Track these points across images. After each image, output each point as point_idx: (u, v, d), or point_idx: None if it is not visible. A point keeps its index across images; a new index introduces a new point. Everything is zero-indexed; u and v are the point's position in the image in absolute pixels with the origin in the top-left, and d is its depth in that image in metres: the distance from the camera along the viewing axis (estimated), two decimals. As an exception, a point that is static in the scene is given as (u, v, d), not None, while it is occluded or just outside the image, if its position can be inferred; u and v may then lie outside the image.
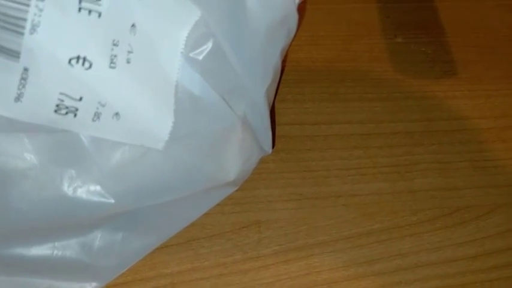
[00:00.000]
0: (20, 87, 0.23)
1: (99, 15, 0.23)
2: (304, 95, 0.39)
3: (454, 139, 0.38)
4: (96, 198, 0.26)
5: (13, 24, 0.22)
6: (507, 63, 0.42)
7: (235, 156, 0.29)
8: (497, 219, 0.35)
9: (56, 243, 0.28)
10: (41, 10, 0.22)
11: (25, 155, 0.25)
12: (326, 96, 0.39)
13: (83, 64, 0.23)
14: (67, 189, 0.25)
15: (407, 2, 0.45)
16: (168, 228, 0.31)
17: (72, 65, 0.23)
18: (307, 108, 0.39)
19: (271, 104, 0.32)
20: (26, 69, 0.23)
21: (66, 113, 0.24)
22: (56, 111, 0.24)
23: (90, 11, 0.23)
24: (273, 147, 0.32)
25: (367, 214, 0.34)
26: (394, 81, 0.40)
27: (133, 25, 0.24)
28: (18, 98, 0.23)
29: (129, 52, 0.24)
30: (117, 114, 0.25)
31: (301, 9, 0.28)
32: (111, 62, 0.23)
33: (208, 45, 0.25)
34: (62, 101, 0.24)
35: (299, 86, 0.39)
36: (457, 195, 0.36)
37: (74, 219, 0.27)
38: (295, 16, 0.28)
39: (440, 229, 0.34)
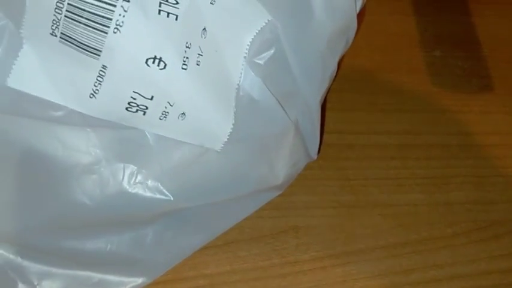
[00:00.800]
0: (96, 83, 0.24)
1: (176, 18, 0.24)
2: (343, 103, 0.40)
3: (490, 154, 0.38)
4: (155, 195, 0.27)
5: (98, 23, 0.23)
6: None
7: (285, 161, 0.29)
8: (531, 235, 0.35)
9: (111, 238, 0.28)
10: (125, 11, 0.23)
11: (91, 150, 0.26)
12: (364, 106, 0.40)
13: (158, 64, 0.24)
14: (128, 184, 0.26)
15: (445, 16, 0.45)
16: (215, 228, 0.31)
17: (148, 65, 0.24)
18: (345, 117, 0.39)
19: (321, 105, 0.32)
20: (104, 67, 0.24)
21: (137, 110, 0.25)
22: (127, 108, 0.25)
23: (168, 14, 0.24)
24: (318, 153, 0.33)
25: (403, 225, 0.35)
26: (431, 94, 0.41)
27: (204, 28, 0.25)
28: (93, 94, 0.24)
29: (199, 55, 0.25)
30: (183, 114, 0.25)
31: (360, 18, 0.29)
32: (183, 64, 0.24)
33: (271, 51, 0.26)
34: (135, 99, 0.24)
35: (338, 94, 0.40)
36: (492, 209, 0.36)
37: (132, 215, 0.27)
38: (355, 25, 0.29)
39: (475, 242, 0.35)
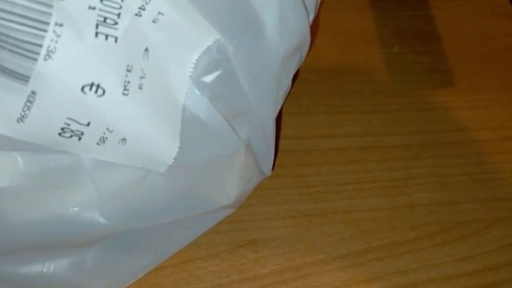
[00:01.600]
0: (25, 109, 0.22)
1: (116, 40, 0.22)
2: (301, 107, 0.39)
3: (453, 152, 0.38)
4: (91, 220, 0.25)
5: (26, 50, 0.21)
6: (505, 72, 0.42)
7: (236, 180, 0.28)
8: (496, 234, 0.34)
9: (47, 262, 0.27)
10: (58, 36, 0.21)
11: (15, 175, 0.24)
12: (323, 109, 0.39)
13: (96, 91, 0.22)
14: (60, 210, 0.25)
15: (403, 11, 0.44)
16: (163, 249, 0.30)
17: (84, 92, 0.22)
18: (303, 122, 0.38)
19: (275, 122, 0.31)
20: (33, 93, 0.22)
21: (71, 136, 0.23)
22: (60, 134, 0.23)
23: (107, 36, 0.22)
24: (272, 169, 0.32)
25: (365, 231, 0.34)
26: (391, 93, 0.40)
27: (146, 49, 0.23)
28: (21, 119, 0.22)
29: (142, 77, 0.23)
30: (123, 139, 0.24)
31: (313, 29, 0.28)
32: (125, 89, 0.23)
33: (219, 71, 0.25)
34: (68, 125, 0.23)
35: (295, 98, 0.39)
36: (456, 210, 0.35)
37: (67, 239, 0.26)
38: (308, 41, 0.28)
39: (440, 245, 0.34)
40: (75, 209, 0.25)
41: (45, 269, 0.27)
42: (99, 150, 0.24)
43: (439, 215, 0.35)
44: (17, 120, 0.23)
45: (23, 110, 0.22)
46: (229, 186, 0.28)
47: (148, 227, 0.27)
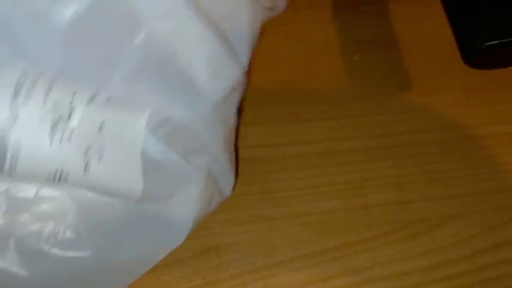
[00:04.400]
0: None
1: (72, 131, 0.25)
2: (265, 117, 0.41)
3: (410, 152, 0.39)
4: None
5: None
6: (464, 73, 0.43)
7: (195, 207, 0.30)
8: (450, 230, 0.36)
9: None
10: (18, 148, 0.24)
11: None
12: (285, 118, 0.41)
13: (59, 179, 0.25)
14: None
15: (365, 19, 0.46)
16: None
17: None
18: (267, 130, 0.40)
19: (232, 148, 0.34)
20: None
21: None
22: None
23: (63, 131, 0.25)
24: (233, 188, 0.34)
25: (322, 232, 0.36)
26: (351, 99, 0.42)
27: (101, 126, 0.26)
28: None
29: (100, 149, 0.26)
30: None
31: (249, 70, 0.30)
32: (86, 167, 0.25)
33: (167, 125, 0.27)
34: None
35: (260, 108, 0.41)
36: (411, 209, 0.37)
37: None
38: (244, 81, 0.30)
39: (394, 243, 0.35)
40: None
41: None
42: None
43: (393, 214, 0.36)
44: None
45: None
46: (188, 214, 0.30)
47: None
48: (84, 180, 0.26)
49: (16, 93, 0.24)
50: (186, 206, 0.31)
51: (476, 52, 0.35)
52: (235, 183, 0.34)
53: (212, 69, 0.28)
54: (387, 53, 0.44)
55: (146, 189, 0.28)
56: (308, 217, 0.36)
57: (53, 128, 0.25)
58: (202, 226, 0.35)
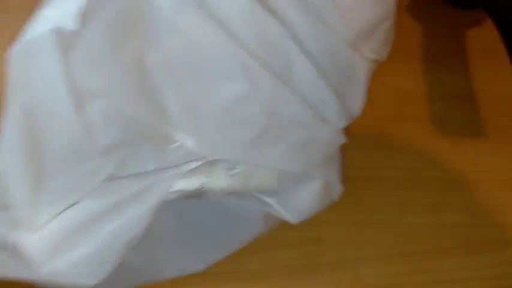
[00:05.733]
0: None
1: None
2: (355, 143, 0.50)
3: (482, 187, 0.48)
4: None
5: None
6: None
7: (311, 203, 0.40)
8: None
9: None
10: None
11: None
12: (375, 145, 0.50)
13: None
14: None
15: (450, 73, 0.55)
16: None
17: None
18: (359, 155, 0.49)
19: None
20: None
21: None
22: None
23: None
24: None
25: (403, 239, 0.45)
26: (433, 138, 0.51)
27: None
28: None
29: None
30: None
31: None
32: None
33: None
34: None
35: (356, 136, 0.50)
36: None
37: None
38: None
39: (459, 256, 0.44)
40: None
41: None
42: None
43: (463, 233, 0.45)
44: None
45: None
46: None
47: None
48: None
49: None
50: (304, 200, 0.40)
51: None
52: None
53: (337, 114, 0.37)
54: (465, 103, 0.53)
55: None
56: (394, 226, 0.45)
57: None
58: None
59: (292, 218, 0.40)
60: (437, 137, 0.51)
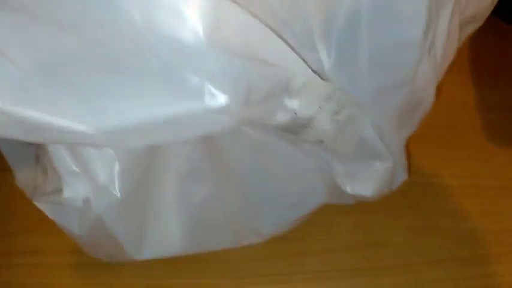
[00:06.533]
0: None
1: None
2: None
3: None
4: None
5: None
6: None
7: (378, 182, 0.41)
8: None
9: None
10: None
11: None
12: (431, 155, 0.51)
13: None
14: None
15: (501, 87, 0.56)
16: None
17: None
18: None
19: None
20: None
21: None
22: None
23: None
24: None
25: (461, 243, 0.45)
26: (488, 149, 0.52)
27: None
28: None
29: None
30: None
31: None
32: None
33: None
34: None
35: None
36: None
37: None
38: None
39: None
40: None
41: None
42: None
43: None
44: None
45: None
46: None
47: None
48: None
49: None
50: (368, 178, 0.41)
51: None
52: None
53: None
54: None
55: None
56: (449, 232, 0.46)
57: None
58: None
59: (351, 190, 0.41)
60: (491, 147, 0.52)
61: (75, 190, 0.32)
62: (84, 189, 0.32)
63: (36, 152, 0.39)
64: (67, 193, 0.32)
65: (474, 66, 0.57)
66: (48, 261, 0.44)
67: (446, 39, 0.36)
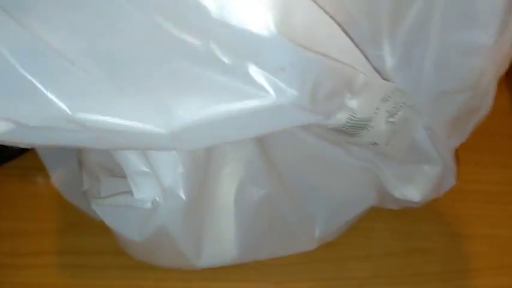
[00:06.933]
0: None
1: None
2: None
3: None
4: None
5: None
6: None
7: (426, 185, 0.40)
8: None
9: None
10: None
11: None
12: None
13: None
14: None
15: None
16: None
17: None
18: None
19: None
20: None
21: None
22: None
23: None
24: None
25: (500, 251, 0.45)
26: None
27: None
28: None
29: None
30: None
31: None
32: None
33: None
34: None
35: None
36: None
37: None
38: None
39: None
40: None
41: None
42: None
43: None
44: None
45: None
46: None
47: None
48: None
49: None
50: (420, 183, 0.40)
51: None
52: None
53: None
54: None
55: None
56: (488, 239, 0.45)
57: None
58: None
59: (398, 194, 0.40)
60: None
61: (144, 191, 0.31)
62: (153, 191, 0.31)
63: (79, 158, 0.38)
64: (137, 194, 0.31)
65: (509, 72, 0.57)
66: (50, 262, 0.43)
67: (510, 47, 0.35)
